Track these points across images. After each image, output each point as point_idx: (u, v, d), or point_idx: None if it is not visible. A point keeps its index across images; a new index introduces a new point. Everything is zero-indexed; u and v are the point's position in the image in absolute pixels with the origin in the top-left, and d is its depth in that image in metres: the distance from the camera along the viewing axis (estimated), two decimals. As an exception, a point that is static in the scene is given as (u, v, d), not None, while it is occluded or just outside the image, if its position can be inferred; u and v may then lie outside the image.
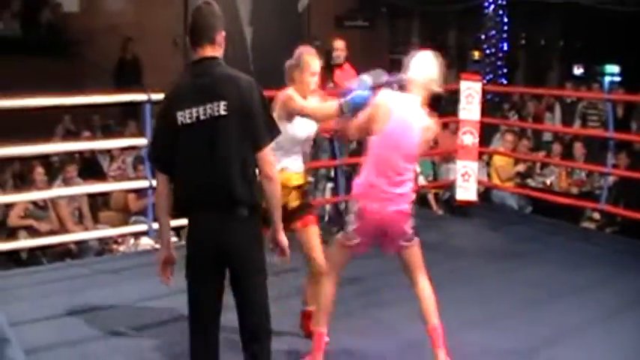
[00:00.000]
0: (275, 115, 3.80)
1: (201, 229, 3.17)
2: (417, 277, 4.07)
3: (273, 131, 3.19)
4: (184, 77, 3.22)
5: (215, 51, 3.18)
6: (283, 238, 3.29)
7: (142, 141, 6.40)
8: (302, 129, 4.27)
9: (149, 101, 6.09)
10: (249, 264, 3.17)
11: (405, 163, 3.94)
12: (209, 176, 3.08)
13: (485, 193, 8.96)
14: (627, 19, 12.21)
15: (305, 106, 4.23)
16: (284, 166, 4.18)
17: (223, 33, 3.22)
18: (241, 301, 3.20)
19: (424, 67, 4.04)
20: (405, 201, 3.96)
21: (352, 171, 8.45)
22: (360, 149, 8.64)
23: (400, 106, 3.93)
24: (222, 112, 3.04)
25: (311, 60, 4.38)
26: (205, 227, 3.14)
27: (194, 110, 3.05)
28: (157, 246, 6.92)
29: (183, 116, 3.07)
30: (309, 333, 4.36)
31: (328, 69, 6.98)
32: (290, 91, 4.35)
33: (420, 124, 3.94)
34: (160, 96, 6.84)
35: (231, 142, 3.06)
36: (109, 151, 8.75)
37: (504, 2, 13.67)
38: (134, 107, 8.35)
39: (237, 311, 3.23)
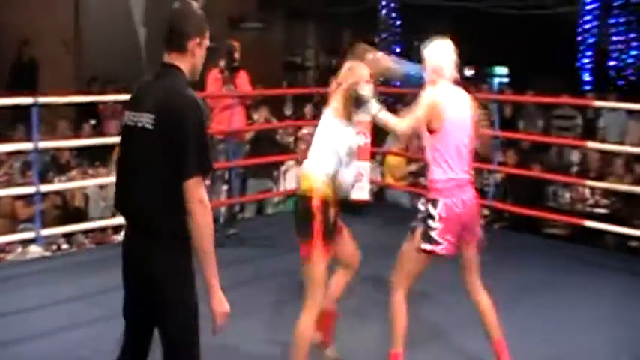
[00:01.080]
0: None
1: (123, 246, 3.04)
2: (476, 280, 4.12)
3: (202, 161, 2.80)
4: (146, 79, 2.99)
5: (181, 59, 2.89)
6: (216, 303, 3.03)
7: (29, 146, 6.21)
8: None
9: (36, 104, 5.92)
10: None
11: (468, 147, 3.95)
12: (130, 192, 2.89)
13: (380, 192, 9.11)
14: (515, 22, 12.66)
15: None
16: None
17: (198, 40, 2.93)
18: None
19: (441, 54, 4.06)
20: (473, 187, 4.02)
21: (246, 173, 8.49)
22: (255, 152, 8.70)
23: (445, 96, 3.91)
24: (149, 127, 2.80)
25: (363, 69, 4.05)
26: (125, 248, 3.03)
27: (133, 114, 2.88)
28: (46, 253, 6.81)
29: (126, 117, 2.92)
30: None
31: (230, 70, 6.92)
32: None
33: (466, 104, 3.98)
34: (47, 99, 6.78)
35: (155, 162, 2.79)
36: (-5, 157, 8.45)
37: (397, 5, 13.95)
38: (25, 111, 8.09)
39: None
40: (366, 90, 3.96)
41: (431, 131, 3.90)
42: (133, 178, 2.86)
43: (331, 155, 3.88)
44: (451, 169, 3.89)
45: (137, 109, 2.86)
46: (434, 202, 3.89)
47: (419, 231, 3.92)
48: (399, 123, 3.99)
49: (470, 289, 4.15)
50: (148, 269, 2.86)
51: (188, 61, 2.91)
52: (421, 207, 3.96)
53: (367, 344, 4.56)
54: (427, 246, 3.89)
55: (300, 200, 3.86)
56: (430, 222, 3.88)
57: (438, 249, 3.89)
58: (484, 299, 4.14)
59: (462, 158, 3.93)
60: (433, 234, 3.87)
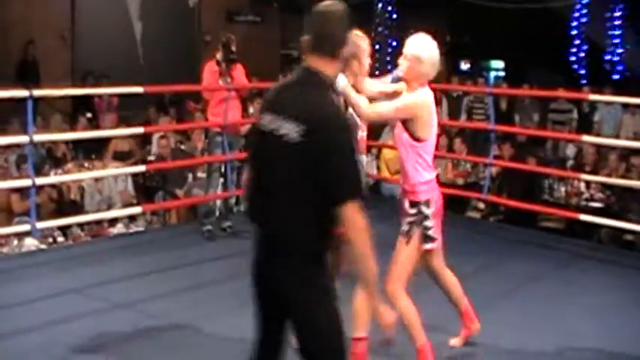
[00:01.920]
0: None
1: (254, 263, 2.82)
2: (442, 262, 4.24)
3: (357, 186, 2.61)
4: (288, 80, 2.81)
5: (330, 65, 2.70)
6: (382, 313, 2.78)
7: (25, 138, 6.20)
8: None
9: (31, 97, 5.89)
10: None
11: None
12: (267, 206, 2.69)
13: (375, 185, 9.12)
14: (511, 16, 12.65)
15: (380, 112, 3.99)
16: None
17: (346, 46, 2.73)
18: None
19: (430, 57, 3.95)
20: None
21: (242, 166, 8.48)
22: (250, 143, 8.69)
23: (430, 102, 3.92)
24: (295, 137, 2.58)
25: (364, 41, 3.90)
26: (257, 265, 2.81)
27: (271, 119, 2.67)
28: (42, 246, 6.81)
29: (264, 120, 2.71)
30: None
31: (226, 63, 6.90)
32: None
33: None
34: (42, 92, 6.77)
35: (299, 179, 2.60)
36: (-10, 150, 8.43)
37: (393, -1, 13.94)
38: (21, 105, 8.08)
39: None
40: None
41: (418, 139, 3.89)
42: (271, 192, 2.66)
43: None
44: (432, 168, 4.00)
45: (278, 113, 2.65)
46: (427, 203, 3.94)
47: (416, 235, 3.96)
48: (366, 106, 3.87)
49: (437, 272, 4.24)
50: (286, 292, 2.69)
51: (335, 67, 2.75)
52: (411, 210, 3.96)
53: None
54: (429, 245, 3.98)
55: None
56: (427, 222, 3.94)
57: (435, 245, 4.00)
58: (450, 275, 4.30)
59: (433, 159, 4.04)
60: (431, 232, 3.95)
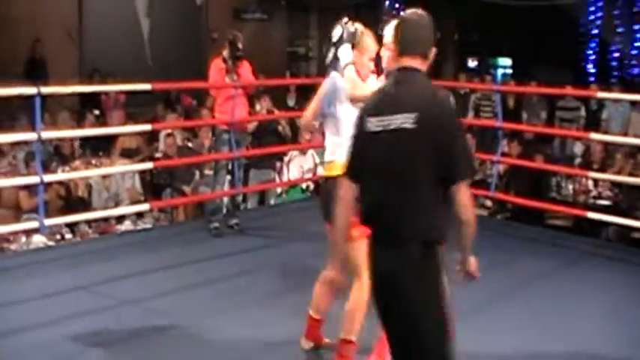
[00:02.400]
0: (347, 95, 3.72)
1: (373, 256, 2.92)
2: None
3: (471, 166, 2.89)
4: (385, 83, 3.03)
5: (422, 65, 2.92)
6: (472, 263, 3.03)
7: (33, 136, 6.21)
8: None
9: (39, 95, 5.91)
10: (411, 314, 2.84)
11: None
12: (386, 199, 2.81)
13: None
14: (520, 13, 12.62)
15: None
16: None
17: (434, 49, 2.95)
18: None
19: None
20: None
21: (248, 163, 8.49)
22: (256, 142, 8.72)
23: None
24: (409, 125, 2.74)
25: (370, 42, 3.97)
26: (377, 257, 2.90)
27: (383, 119, 2.81)
28: (50, 243, 6.84)
29: (372, 123, 2.85)
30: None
31: (233, 60, 6.90)
32: (352, 73, 3.87)
33: None
34: (50, 89, 6.79)
35: (417, 164, 2.74)
36: (-2, 147, 8.47)
37: (401, -4, 13.93)
38: (28, 102, 8.11)
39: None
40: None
41: None
42: (387, 184, 2.81)
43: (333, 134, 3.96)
44: None
45: (386, 113, 2.81)
46: None
47: None
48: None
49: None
50: (400, 282, 2.81)
51: (426, 66, 2.94)
52: None
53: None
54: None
55: (331, 183, 3.76)
56: None
57: None
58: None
59: None
60: None
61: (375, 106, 2.90)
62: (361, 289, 3.83)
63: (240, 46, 6.89)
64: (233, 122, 6.93)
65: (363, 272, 3.74)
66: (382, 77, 3.95)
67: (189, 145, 9.42)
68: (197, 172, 8.90)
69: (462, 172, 2.74)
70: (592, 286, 5.78)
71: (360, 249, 3.73)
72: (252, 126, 8.38)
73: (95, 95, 10.46)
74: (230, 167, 7.14)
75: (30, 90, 6.02)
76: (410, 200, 2.76)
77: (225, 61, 6.89)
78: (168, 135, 9.14)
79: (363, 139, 2.90)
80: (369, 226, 2.92)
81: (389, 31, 3.82)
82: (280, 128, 9.91)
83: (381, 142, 2.81)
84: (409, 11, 3.03)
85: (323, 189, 4.13)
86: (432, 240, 2.79)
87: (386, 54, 3.84)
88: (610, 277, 6.02)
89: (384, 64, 3.92)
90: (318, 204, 4.13)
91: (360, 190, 2.93)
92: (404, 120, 2.75)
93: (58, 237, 7.22)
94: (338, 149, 3.90)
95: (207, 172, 8.48)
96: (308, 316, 4.30)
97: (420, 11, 3.00)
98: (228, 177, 7.24)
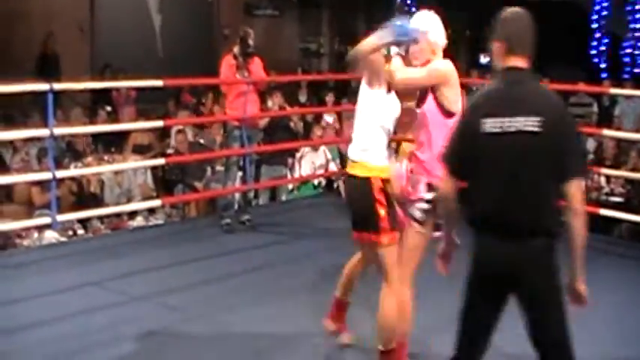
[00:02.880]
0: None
1: (490, 251, 2.99)
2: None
3: (585, 164, 3.17)
4: (495, 84, 3.07)
5: (525, 63, 3.03)
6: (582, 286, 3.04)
7: (46, 132, 6.24)
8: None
9: (51, 91, 5.93)
10: (542, 297, 2.99)
11: None
12: (509, 195, 2.91)
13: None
14: (532, 9, 12.56)
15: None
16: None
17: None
18: (536, 335, 3.04)
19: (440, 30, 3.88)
20: None
21: (260, 159, 8.49)
22: (268, 138, 8.71)
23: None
24: (535, 129, 2.85)
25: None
26: (495, 251, 2.97)
27: (502, 120, 2.89)
28: (62, 239, 6.87)
29: (488, 124, 2.91)
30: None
31: (244, 57, 6.91)
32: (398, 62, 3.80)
33: None
34: (62, 85, 6.81)
35: (540, 163, 2.88)
36: (11, 143, 8.50)
37: (412, -8, 13.90)
38: (41, 98, 8.14)
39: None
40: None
41: (449, 114, 3.69)
42: (509, 182, 2.90)
43: (381, 133, 3.77)
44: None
45: (504, 114, 2.89)
46: (424, 185, 3.77)
47: (429, 221, 3.75)
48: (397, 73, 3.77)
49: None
50: (528, 272, 2.94)
51: (530, 64, 3.06)
52: (428, 195, 3.72)
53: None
54: (438, 234, 3.66)
55: (361, 186, 3.73)
56: (419, 207, 3.76)
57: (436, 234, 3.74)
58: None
59: None
60: (423, 216, 3.77)
61: (490, 107, 2.96)
62: (391, 295, 3.78)
63: (250, 42, 6.90)
64: (244, 118, 6.94)
65: (393, 278, 3.77)
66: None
67: (201, 141, 9.43)
68: (209, 169, 8.91)
69: (580, 171, 2.96)
70: (604, 284, 5.73)
71: (392, 255, 3.75)
72: (263, 122, 8.38)
73: (107, 91, 10.49)
74: (241, 163, 7.15)
75: (42, 86, 6.04)
76: (534, 196, 2.90)
77: (236, 57, 6.90)
78: (179, 131, 9.15)
79: (474, 140, 2.94)
80: (484, 222, 2.98)
81: (431, 23, 3.84)
82: (292, 124, 9.91)
83: (501, 143, 2.90)
84: (514, 10, 3.13)
85: (352, 187, 3.84)
86: (553, 231, 2.93)
87: (416, 49, 3.80)
88: (623, 274, 5.99)
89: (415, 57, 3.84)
90: (340, 201, 4.09)
91: (472, 189, 3.02)
92: (527, 123, 2.86)
93: (70, 233, 7.24)
94: (374, 148, 3.75)
95: (219, 168, 8.49)
96: (333, 296, 4.26)
97: (522, 10, 3.13)
98: (240, 173, 7.25)
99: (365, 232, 3.75)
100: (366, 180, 3.71)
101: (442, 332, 3.86)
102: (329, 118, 10.52)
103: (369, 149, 3.76)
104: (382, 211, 3.69)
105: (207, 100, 10.91)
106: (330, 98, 11.25)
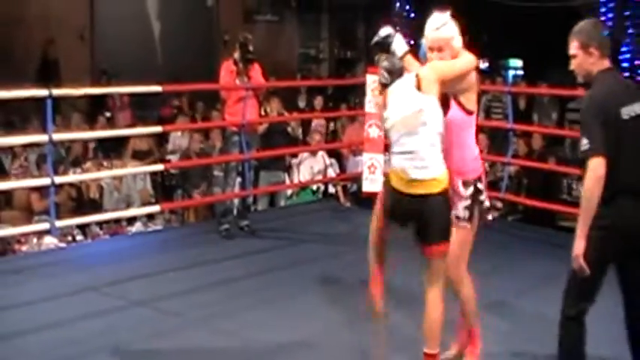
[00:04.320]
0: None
1: (630, 212, 3.51)
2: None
3: None
4: (609, 80, 3.56)
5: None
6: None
7: (45, 137, 6.24)
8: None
9: (50, 97, 5.93)
10: None
11: None
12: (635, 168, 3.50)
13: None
14: (531, 15, 12.58)
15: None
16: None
17: None
18: None
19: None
20: None
21: (258, 165, 8.50)
22: (267, 142, 8.71)
23: None
24: None
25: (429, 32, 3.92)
26: (635, 213, 3.50)
27: (629, 108, 3.47)
28: (61, 244, 6.87)
29: (623, 112, 3.46)
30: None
31: (244, 63, 6.91)
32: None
33: None
34: (61, 91, 6.81)
35: None
36: (11, 149, 8.51)
37: (411, -3, 13.92)
38: (40, 104, 8.15)
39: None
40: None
41: (470, 112, 3.82)
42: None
43: (439, 140, 3.67)
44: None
45: (629, 103, 3.48)
46: (480, 179, 3.91)
47: (476, 214, 3.90)
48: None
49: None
50: None
51: None
52: (467, 191, 3.85)
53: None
54: (491, 216, 4.08)
55: (442, 202, 3.67)
56: (482, 197, 3.92)
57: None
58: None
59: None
60: (487, 204, 3.99)
61: (621, 97, 3.51)
62: (442, 298, 3.79)
63: (250, 48, 6.90)
64: (243, 124, 6.94)
65: (442, 284, 3.79)
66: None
67: (201, 146, 9.44)
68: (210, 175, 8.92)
69: None
70: (604, 289, 5.74)
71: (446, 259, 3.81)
72: (262, 128, 8.39)
73: (105, 97, 10.51)
74: (240, 169, 7.15)
75: (41, 92, 6.05)
76: None
77: (235, 63, 6.90)
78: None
79: (617, 126, 3.44)
80: (626, 191, 3.50)
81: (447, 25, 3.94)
82: (290, 130, 9.92)
83: (631, 126, 3.47)
84: (594, 20, 3.73)
85: (432, 206, 3.67)
86: None
87: (446, 53, 3.84)
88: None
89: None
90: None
91: (613, 167, 3.44)
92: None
93: (69, 238, 7.25)
94: (439, 159, 3.66)
95: (217, 173, 8.50)
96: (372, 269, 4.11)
97: (596, 19, 3.76)
98: (239, 179, 7.25)
99: (442, 243, 3.72)
100: (444, 194, 3.66)
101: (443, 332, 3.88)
102: (317, 122, 10.56)
103: (437, 162, 3.65)
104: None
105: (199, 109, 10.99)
106: (318, 102, 11.24)
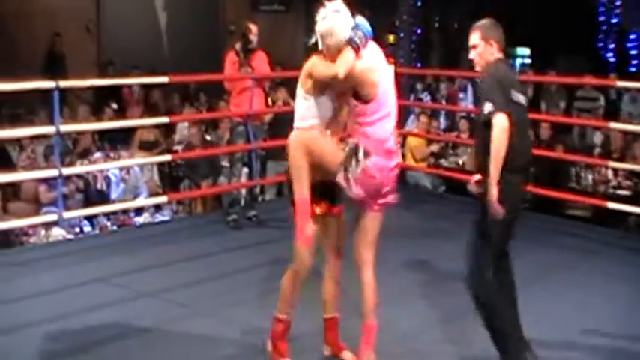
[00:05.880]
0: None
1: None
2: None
3: None
4: (504, 66, 3.95)
5: None
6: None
7: (52, 129, 6.24)
8: None
9: (57, 88, 5.94)
10: None
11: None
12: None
13: (400, 173, 9.08)
14: (538, 2, 12.54)
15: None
16: None
17: None
18: None
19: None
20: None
21: (266, 155, 8.49)
22: (275, 132, 8.70)
23: (376, 60, 3.95)
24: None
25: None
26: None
27: (519, 96, 3.82)
28: (69, 236, 6.89)
29: (514, 95, 3.78)
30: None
31: (245, 53, 6.90)
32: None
33: (386, 68, 3.97)
34: (68, 83, 6.81)
35: None
36: (18, 141, 8.53)
37: (418, -14, 13.84)
38: (47, 96, 8.15)
39: None
40: None
41: (367, 95, 3.87)
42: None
43: None
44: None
45: (515, 87, 3.81)
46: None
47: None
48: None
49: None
50: None
51: None
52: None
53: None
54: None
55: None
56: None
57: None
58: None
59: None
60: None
61: (512, 80, 3.89)
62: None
63: (252, 38, 6.86)
64: (248, 114, 6.93)
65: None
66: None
67: (208, 137, 9.44)
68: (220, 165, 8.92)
69: None
70: (611, 277, 5.74)
71: None
72: (268, 117, 8.36)
73: (114, 89, 10.50)
74: (247, 159, 7.14)
75: (48, 84, 6.05)
76: None
77: (237, 54, 6.88)
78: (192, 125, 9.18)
79: (509, 102, 3.75)
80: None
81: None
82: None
83: (517, 109, 3.78)
84: (493, 20, 3.94)
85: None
86: None
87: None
88: (630, 268, 5.97)
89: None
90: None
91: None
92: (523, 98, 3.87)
93: (77, 230, 7.27)
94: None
95: (224, 164, 8.50)
96: (323, 319, 4.23)
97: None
98: (246, 169, 7.24)
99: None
100: None
101: (433, 332, 3.88)
102: None
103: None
104: None
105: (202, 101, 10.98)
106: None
